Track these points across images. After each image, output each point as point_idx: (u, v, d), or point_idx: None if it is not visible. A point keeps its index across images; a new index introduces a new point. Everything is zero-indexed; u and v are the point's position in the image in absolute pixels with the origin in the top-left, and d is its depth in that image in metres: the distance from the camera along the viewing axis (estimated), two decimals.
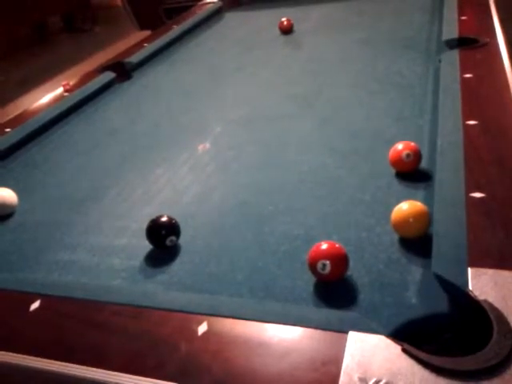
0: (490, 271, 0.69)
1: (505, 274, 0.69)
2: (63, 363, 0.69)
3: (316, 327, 0.66)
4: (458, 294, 0.69)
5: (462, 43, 1.55)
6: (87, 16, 7.20)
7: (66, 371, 0.68)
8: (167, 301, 0.76)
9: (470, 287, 0.68)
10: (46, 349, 0.72)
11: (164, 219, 0.99)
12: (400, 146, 1.08)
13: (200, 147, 1.40)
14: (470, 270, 0.71)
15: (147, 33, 3.33)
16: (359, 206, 1.02)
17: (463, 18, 1.78)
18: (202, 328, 0.69)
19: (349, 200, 1.04)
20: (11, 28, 6.20)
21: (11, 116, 1.77)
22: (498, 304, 0.64)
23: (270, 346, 0.66)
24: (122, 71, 2.04)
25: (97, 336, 0.73)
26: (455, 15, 1.82)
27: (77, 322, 0.76)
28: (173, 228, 0.98)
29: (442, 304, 0.71)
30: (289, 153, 1.28)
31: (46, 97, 1.85)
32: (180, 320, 0.72)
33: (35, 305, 0.80)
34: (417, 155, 1.07)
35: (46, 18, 7.01)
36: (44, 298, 0.81)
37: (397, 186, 1.06)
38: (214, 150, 1.38)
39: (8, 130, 1.58)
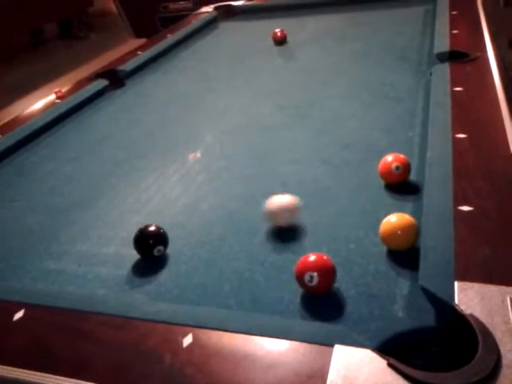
0: (477, 285, 0.70)
1: (491, 288, 0.69)
2: (46, 374, 0.68)
3: (302, 340, 0.66)
4: (445, 308, 0.69)
5: (453, 57, 1.57)
6: (83, 23, 7.21)
7: (49, 383, 0.67)
8: (153, 312, 0.76)
9: (457, 301, 0.68)
10: (28, 359, 0.71)
11: (152, 229, 0.98)
12: (389, 157, 1.09)
13: (191, 156, 1.40)
14: (456, 283, 0.71)
15: (143, 41, 3.34)
16: (348, 217, 1.02)
17: (455, 31, 1.80)
18: (187, 340, 0.69)
19: (338, 211, 1.04)
20: (7, 33, 6.19)
21: (2, 122, 1.77)
22: (483, 318, 0.64)
23: (256, 359, 0.65)
24: (115, 79, 2.04)
25: (82, 347, 0.72)
26: (447, 29, 1.83)
27: (62, 332, 0.76)
28: (160, 238, 0.97)
29: (428, 318, 0.71)
30: (280, 163, 1.29)
31: (38, 103, 1.84)
32: (165, 331, 0.71)
33: (19, 314, 0.79)
34: (406, 167, 1.08)
35: (42, 24, 7.01)
36: (29, 307, 0.80)
37: (386, 197, 1.06)
38: (205, 159, 1.38)
39: None
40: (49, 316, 0.79)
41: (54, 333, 0.75)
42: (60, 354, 0.72)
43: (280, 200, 1.01)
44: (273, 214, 1.01)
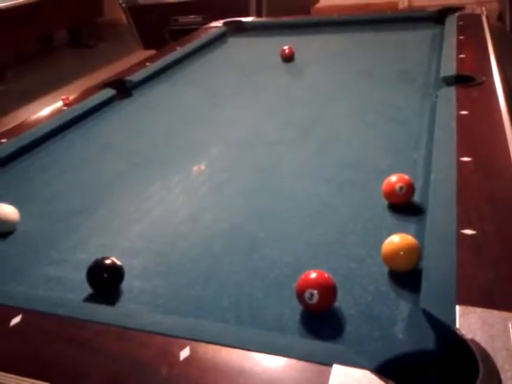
0: (479, 310, 0.69)
1: (493, 313, 0.68)
2: (40, 382, 0.67)
3: (300, 358, 0.65)
4: (446, 332, 0.68)
5: (460, 80, 1.58)
6: (93, 32, 7.28)
7: None
8: (151, 323, 0.75)
9: (458, 325, 0.67)
10: (23, 366, 0.70)
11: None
12: (394, 178, 1.09)
13: (195, 168, 1.40)
14: (458, 307, 0.70)
15: (151, 52, 3.37)
16: (350, 236, 1.01)
17: (461, 56, 1.81)
18: (185, 353, 0.68)
19: (340, 230, 1.04)
20: (17, 40, 6.26)
21: (8, 127, 1.77)
22: (485, 344, 0.64)
23: (253, 376, 0.64)
24: (123, 89, 2.05)
25: (78, 355, 0.72)
26: (454, 53, 1.85)
27: (58, 339, 0.75)
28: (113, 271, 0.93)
29: (429, 341, 0.70)
30: (283, 179, 1.29)
31: (45, 110, 1.85)
32: (162, 343, 0.70)
33: (16, 319, 0.78)
34: (410, 188, 1.08)
35: (52, 32, 7.09)
36: (26, 312, 0.80)
37: (389, 218, 1.06)
38: (209, 171, 1.38)
39: (4, 140, 1.58)
40: (46, 323, 0.78)
41: (50, 340, 0.75)
42: (55, 362, 0.71)
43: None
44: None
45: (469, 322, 0.67)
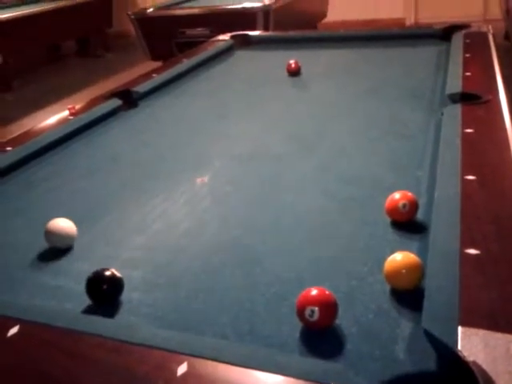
0: (481, 332, 0.68)
1: (496, 336, 0.67)
2: None
3: (299, 377, 0.64)
4: (447, 353, 0.67)
5: (465, 98, 1.58)
6: (101, 43, 7.35)
7: None
8: (149, 337, 0.74)
9: (460, 347, 0.66)
10: (19, 377, 0.70)
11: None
12: (397, 195, 1.08)
13: (198, 180, 1.40)
14: (460, 328, 0.69)
15: (158, 64, 3.39)
16: (352, 252, 1.01)
17: (467, 74, 1.81)
18: (182, 368, 0.67)
19: (342, 246, 1.03)
20: (26, 49, 6.33)
21: (14, 135, 1.78)
22: (487, 367, 0.63)
23: None
24: (129, 99, 2.06)
25: (75, 368, 0.71)
26: (460, 71, 1.85)
27: (55, 351, 0.74)
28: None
29: (430, 361, 0.69)
30: (286, 193, 1.28)
31: (51, 119, 1.86)
32: (160, 358, 0.70)
33: (14, 330, 0.78)
34: (413, 206, 1.07)
35: (61, 41, 7.17)
36: (24, 323, 0.79)
37: (392, 235, 1.05)
38: (212, 184, 1.38)
39: (9, 148, 1.58)
40: (43, 334, 0.77)
41: (47, 351, 0.74)
42: (51, 374, 0.70)
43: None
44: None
45: (471, 343, 0.66)
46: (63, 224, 1.11)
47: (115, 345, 0.73)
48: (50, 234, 1.10)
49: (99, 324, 0.80)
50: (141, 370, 0.68)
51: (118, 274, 0.92)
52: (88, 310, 0.90)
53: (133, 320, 0.87)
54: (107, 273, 0.91)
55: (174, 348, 0.71)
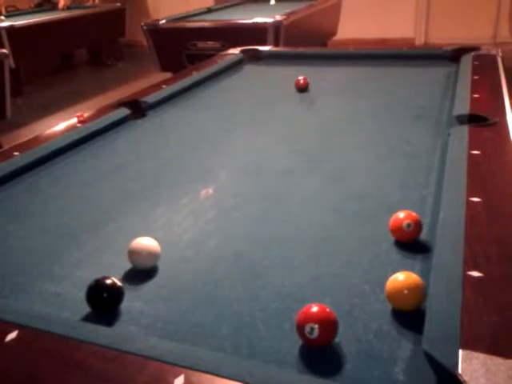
0: (482, 356, 0.67)
1: (497, 360, 0.66)
2: None
3: None
4: (447, 377, 0.66)
5: (472, 120, 1.58)
6: (112, 52, 7.43)
7: None
8: (147, 347, 0.74)
9: (460, 371, 0.65)
10: (15, 383, 0.70)
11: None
12: (401, 214, 1.08)
13: (203, 192, 1.40)
14: (461, 352, 0.68)
15: (168, 75, 3.42)
16: (355, 270, 1.00)
17: (475, 95, 1.81)
18: (179, 381, 0.67)
19: (345, 263, 1.03)
20: (39, 55, 6.40)
21: (22, 139, 1.79)
22: None
23: None
24: (138, 109, 2.08)
25: (70, 376, 0.70)
26: (468, 92, 1.85)
27: (52, 358, 0.74)
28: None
29: None
30: (290, 208, 1.28)
31: (59, 125, 1.87)
32: (157, 370, 0.69)
33: (12, 335, 0.78)
34: (417, 226, 1.06)
35: (74, 50, 7.25)
36: (22, 329, 0.79)
37: (395, 254, 1.04)
38: (217, 196, 1.38)
39: (16, 153, 1.60)
40: (41, 340, 0.77)
41: (44, 358, 0.74)
42: (47, 381, 0.70)
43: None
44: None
45: (472, 367, 0.65)
46: (147, 243, 1.05)
47: (112, 354, 0.73)
48: (135, 255, 1.03)
49: (97, 333, 0.80)
50: (137, 381, 0.68)
51: (118, 283, 0.92)
52: (88, 318, 0.90)
53: (132, 330, 0.86)
54: (108, 281, 0.91)
55: (172, 360, 0.70)
